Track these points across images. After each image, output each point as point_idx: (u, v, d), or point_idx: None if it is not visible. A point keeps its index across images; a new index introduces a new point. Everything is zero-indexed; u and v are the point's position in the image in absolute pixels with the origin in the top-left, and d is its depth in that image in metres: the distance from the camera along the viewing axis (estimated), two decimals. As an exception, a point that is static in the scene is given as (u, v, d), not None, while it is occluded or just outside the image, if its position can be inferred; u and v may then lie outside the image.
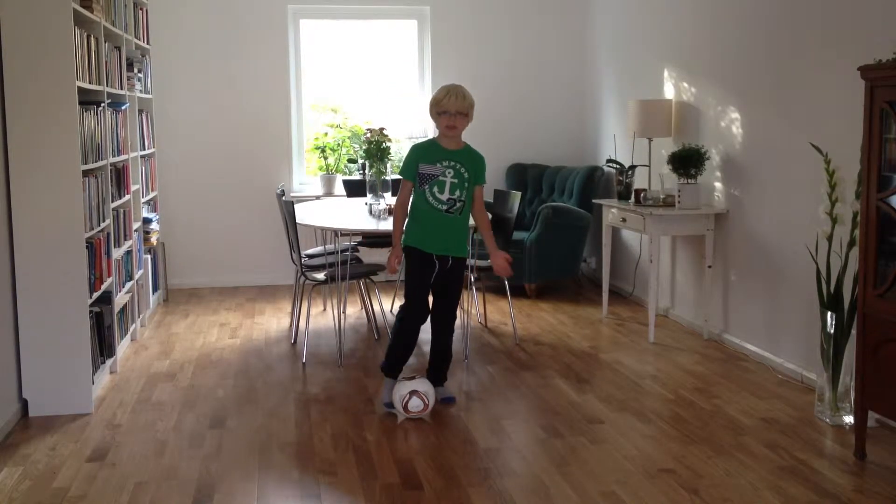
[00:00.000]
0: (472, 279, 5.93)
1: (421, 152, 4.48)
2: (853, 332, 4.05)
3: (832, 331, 4.23)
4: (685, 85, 6.19)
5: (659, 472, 3.68)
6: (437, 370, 4.68)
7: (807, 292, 4.71)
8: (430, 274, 4.45)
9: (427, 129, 7.88)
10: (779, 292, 5.10)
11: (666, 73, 6.45)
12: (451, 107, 4.37)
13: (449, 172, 4.40)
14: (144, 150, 6.61)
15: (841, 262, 4.25)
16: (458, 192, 4.41)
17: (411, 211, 4.49)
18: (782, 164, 5.05)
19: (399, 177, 4.59)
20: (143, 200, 6.49)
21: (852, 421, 4.04)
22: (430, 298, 4.55)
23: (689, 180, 5.66)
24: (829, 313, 4.25)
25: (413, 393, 4.35)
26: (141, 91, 6.52)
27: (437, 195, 4.40)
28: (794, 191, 4.93)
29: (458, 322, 5.52)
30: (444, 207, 4.41)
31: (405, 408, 4.34)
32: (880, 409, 3.78)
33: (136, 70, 6.23)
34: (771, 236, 5.18)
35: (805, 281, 4.72)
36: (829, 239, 4.28)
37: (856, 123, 3.94)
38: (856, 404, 3.87)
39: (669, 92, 6.39)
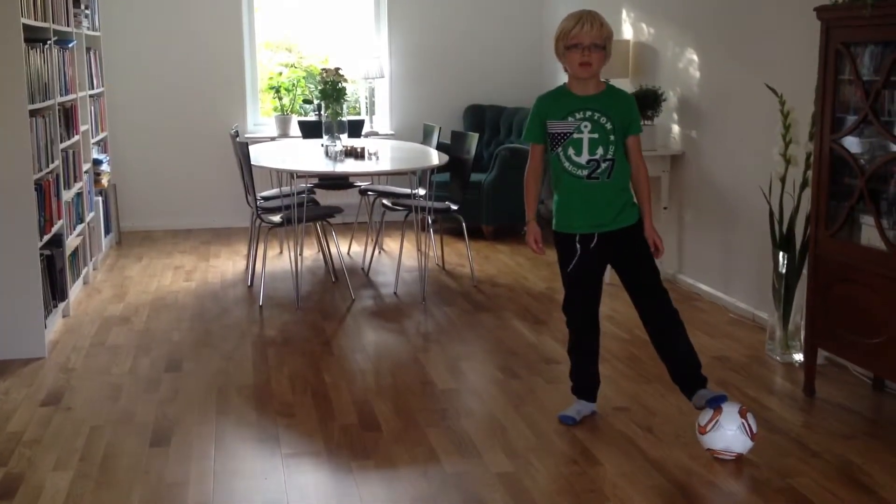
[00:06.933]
0: (430, 221, 5.92)
1: (546, 105, 3.47)
2: (804, 271, 4.12)
3: (784, 271, 4.30)
4: (643, 25, 6.16)
5: (613, 411, 3.74)
6: (681, 377, 3.54)
7: (760, 233, 4.76)
8: (572, 261, 3.54)
9: (384, 68, 7.79)
10: (733, 233, 5.16)
11: (624, 14, 6.41)
12: (583, 38, 3.30)
13: (585, 126, 3.38)
14: (93, 89, 6.46)
15: (793, 203, 4.30)
16: (600, 150, 3.38)
17: (552, 184, 3.55)
18: (738, 105, 5.06)
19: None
20: (92, 141, 6.37)
21: (802, 359, 4.14)
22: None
23: (646, 122, 5.66)
24: (781, 253, 4.31)
25: (747, 412, 3.30)
26: (88, 28, 6.34)
27: (574, 158, 3.40)
28: (749, 132, 4.96)
29: (416, 264, 5.47)
30: (585, 172, 3.41)
31: (751, 432, 3.26)
32: (829, 347, 3.86)
33: (82, 6, 6.06)
34: (726, 178, 5.22)
35: (758, 222, 4.77)
36: (783, 180, 4.32)
37: (811, 64, 3.95)
38: (805, 343, 3.95)
39: (627, 32, 6.36)
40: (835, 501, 2.98)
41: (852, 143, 3.67)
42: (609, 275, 3.69)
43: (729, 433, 3.22)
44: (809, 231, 3.93)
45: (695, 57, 5.51)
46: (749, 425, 3.24)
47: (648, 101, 5.63)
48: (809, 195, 3.94)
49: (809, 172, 4.08)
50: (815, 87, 3.82)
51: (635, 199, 3.54)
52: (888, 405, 3.82)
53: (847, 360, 3.99)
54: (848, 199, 3.66)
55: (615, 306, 5.21)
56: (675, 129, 5.75)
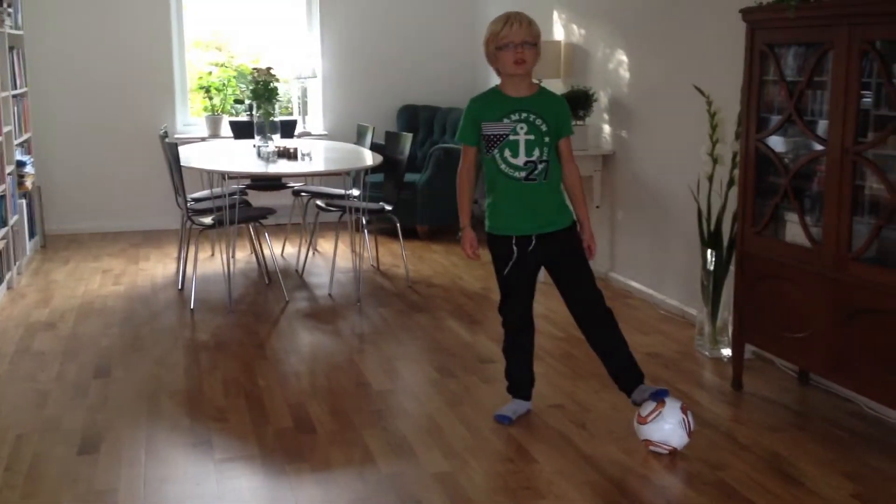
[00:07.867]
0: (364, 222, 5.89)
1: (480, 106, 3.45)
2: (732, 268, 4.20)
3: (712, 268, 4.38)
4: (574, 27, 6.22)
5: (548, 408, 3.77)
6: (619, 374, 3.59)
7: (689, 231, 4.84)
8: (508, 264, 3.55)
9: (316, 68, 7.74)
10: (663, 231, 5.24)
11: (555, 15, 6.47)
12: (514, 37, 3.31)
13: (521, 128, 3.38)
14: (16, 89, 6.29)
15: (721, 202, 4.39)
16: (537, 152, 3.39)
17: (486, 186, 3.55)
18: (667, 106, 5.15)
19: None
20: (16, 143, 6.20)
21: (730, 353, 4.22)
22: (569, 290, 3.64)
23: (577, 122, 5.72)
24: (709, 251, 4.39)
25: (687, 409, 3.36)
26: (11, 27, 6.17)
27: (511, 160, 3.40)
28: (678, 132, 5.04)
29: (350, 265, 5.45)
30: (523, 174, 3.41)
31: (689, 428, 3.32)
32: (756, 341, 3.95)
33: (5, 4, 5.90)
34: (656, 177, 5.30)
35: (688, 220, 4.86)
36: (710, 179, 4.41)
37: (737, 65, 4.04)
38: (733, 338, 4.04)
39: (558, 33, 6.42)
40: (764, 493, 3.04)
41: (777, 143, 3.76)
42: (543, 274, 3.73)
43: (668, 427, 3.27)
44: (736, 229, 4.01)
45: (625, 58, 5.58)
46: (689, 422, 3.30)
47: (580, 102, 5.69)
48: (736, 193, 4.03)
49: (736, 171, 4.16)
50: (741, 88, 3.90)
51: (567, 202, 3.57)
52: (814, 398, 3.92)
53: (773, 354, 4.08)
54: (773, 197, 3.74)
55: (550, 305, 5.25)
56: (607, 128, 5.82)
